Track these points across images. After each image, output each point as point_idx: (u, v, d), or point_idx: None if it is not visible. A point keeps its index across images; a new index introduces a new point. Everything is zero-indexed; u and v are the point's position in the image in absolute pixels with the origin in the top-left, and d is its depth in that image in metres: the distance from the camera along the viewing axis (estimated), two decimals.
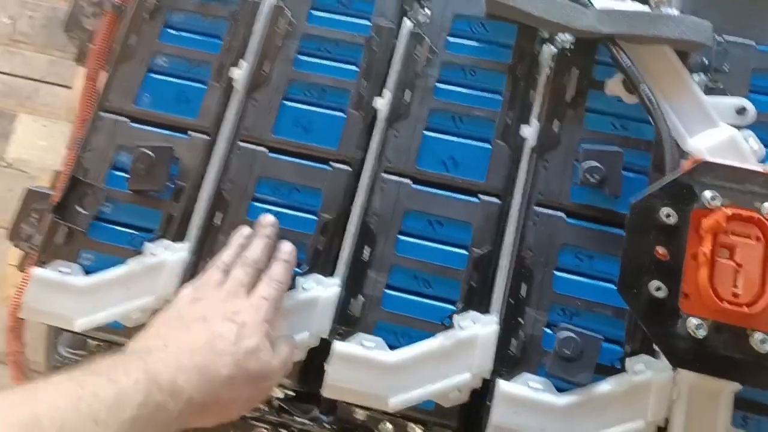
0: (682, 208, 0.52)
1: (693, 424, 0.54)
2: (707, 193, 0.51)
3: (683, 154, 0.59)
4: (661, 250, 0.52)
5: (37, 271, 0.61)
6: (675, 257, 0.52)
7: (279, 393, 0.63)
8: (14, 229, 0.69)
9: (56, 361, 0.73)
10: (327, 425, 0.66)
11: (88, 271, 0.62)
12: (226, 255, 0.58)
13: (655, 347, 0.56)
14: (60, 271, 0.61)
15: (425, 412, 0.57)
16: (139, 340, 0.51)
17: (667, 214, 0.52)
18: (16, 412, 0.37)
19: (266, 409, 0.67)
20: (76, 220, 0.62)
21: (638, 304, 0.51)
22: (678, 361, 0.50)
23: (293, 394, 0.63)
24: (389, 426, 0.61)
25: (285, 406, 0.66)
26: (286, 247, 0.59)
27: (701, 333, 0.49)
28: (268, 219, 0.60)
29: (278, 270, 0.57)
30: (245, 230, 0.60)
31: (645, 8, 0.65)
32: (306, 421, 0.66)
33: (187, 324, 0.51)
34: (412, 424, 0.60)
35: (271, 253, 0.59)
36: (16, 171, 1.23)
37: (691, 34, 0.61)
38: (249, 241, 0.59)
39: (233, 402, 0.50)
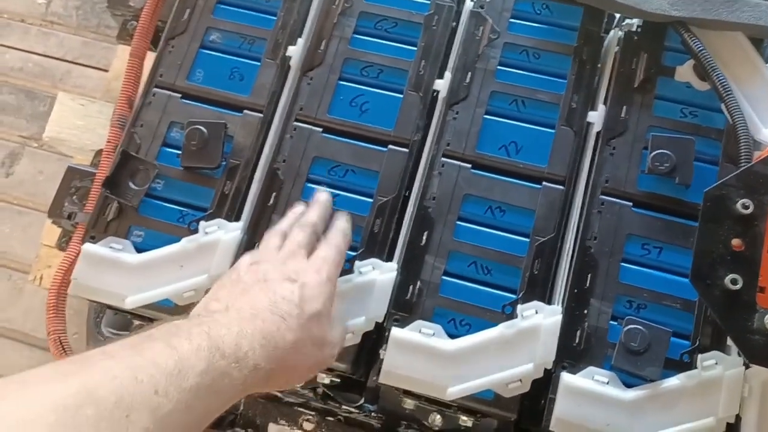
0: (758, 198, 0.50)
1: (766, 422, 0.52)
2: None
3: (756, 144, 0.57)
4: (736, 241, 0.50)
5: (89, 247, 0.60)
6: (751, 249, 0.50)
7: (325, 379, 0.61)
8: (54, 205, 0.68)
9: (98, 342, 0.71)
10: (373, 414, 0.64)
11: (138, 249, 0.60)
12: (283, 223, 0.57)
13: (728, 342, 0.54)
14: (112, 248, 0.60)
15: (484, 402, 0.55)
16: (197, 306, 0.49)
17: (744, 204, 0.50)
18: (70, 384, 0.33)
19: (311, 395, 0.66)
20: (127, 196, 0.60)
21: (712, 296, 0.49)
22: (753, 356, 0.49)
23: (338, 381, 0.62)
24: (438, 417, 0.60)
25: (330, 393, 0.64)
26: (343, 216, 0.58)
27: None
28: (323, 195, 0.59)
29: (336, 236, 0.56)
30: (300, 207, 0.59)
31: None
32: (352, 409, 0.65)
33: (247, 286, 0.49)
34: (463, 417, 0.58)
35: (327, 222, 0.57)
36: (47, 153, 1.22)
37: (767, 19, 0.59)
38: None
39: (298, 367, 0.48)
